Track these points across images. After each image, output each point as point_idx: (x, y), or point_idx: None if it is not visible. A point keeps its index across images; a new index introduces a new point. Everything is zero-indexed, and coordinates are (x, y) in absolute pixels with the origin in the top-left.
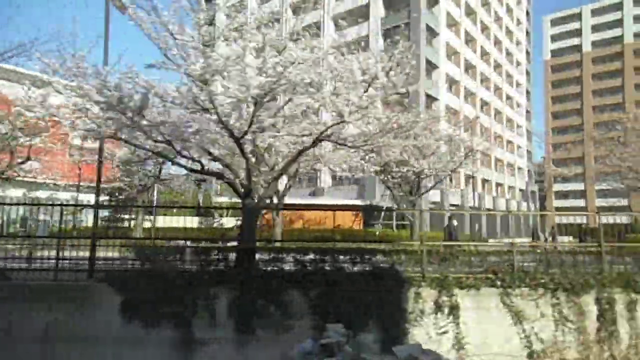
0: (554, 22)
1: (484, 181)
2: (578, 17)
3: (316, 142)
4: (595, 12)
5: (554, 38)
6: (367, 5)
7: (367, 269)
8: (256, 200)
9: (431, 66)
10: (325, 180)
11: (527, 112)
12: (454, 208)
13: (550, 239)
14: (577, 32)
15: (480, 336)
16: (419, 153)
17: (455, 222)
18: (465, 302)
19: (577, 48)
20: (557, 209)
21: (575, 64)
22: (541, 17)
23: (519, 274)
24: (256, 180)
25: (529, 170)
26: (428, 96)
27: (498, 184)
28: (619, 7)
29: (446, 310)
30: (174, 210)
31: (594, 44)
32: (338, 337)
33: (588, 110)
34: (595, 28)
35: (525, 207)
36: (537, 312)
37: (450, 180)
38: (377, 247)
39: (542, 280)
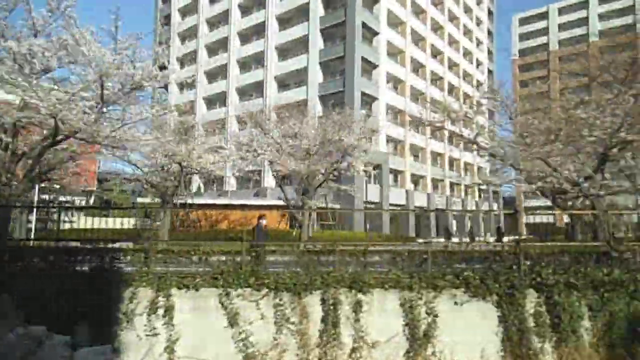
0: (522, 21)
1: (436, 181)
2: (546, 15)
3: (57, 140)
4: (562, 11)
5: (523, 37)
6: (308, 4)
7: (86, 268)
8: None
9: (371, 65)
10: (268, 181)
11: (490, 111)
12: (398, 208)
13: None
14: (545, 31)
15: (196, 338)
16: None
17: (263, 221)
18: (184, 302)
19: (546, 47)
20: (527, 208)
21: (543, 63)
22: (510, 15)
23: (244, 274)
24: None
25: (490, 170)
26: (366, 95)
27: (454, 184)
28: (584, 5)
29: (161, 311)
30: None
31: (562, 42)
32: (16, 338)
33: (555, 108)
34: (562, 27)
35: (486, 207)
36: (258, 314)
37: (395, 180)
38: (128, 246)
39: (267, 280)
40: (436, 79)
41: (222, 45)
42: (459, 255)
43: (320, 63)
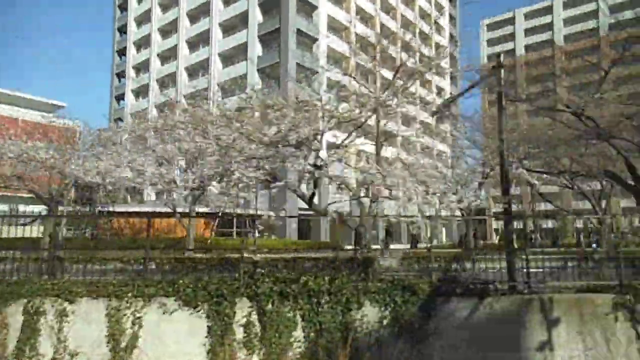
0: (490, 27)
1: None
2: (513, 20)
3: None
4: (527, 16)
5: (491, 42)
6: (248, 11)
7: None
8: None
9: (311, 71)
10: (210, 189)
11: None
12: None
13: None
14: (513, 36)
15: None
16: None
17: (63, 228)
18: None
19: (513, 52)
20: (495, 213)
21: (510, 68)
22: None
23: None
24: None
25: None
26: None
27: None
28: (549, 10)
29: None
30: None
31: (528, 47)
32: None
33: (521, 113)
34: (529, 32)
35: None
36: None
37: (340, 187)
38: None
39: None
40: (388, 85)
41: (172, 53)
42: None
43: (258, 70)
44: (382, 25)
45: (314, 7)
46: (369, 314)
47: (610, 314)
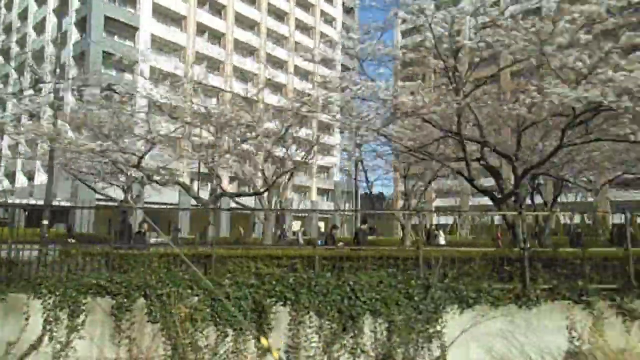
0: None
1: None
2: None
3: None
4: (437, 7)
5: (405, 34)
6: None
7: None
8: None
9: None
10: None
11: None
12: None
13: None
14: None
15: None
16: None
17: None
18: None
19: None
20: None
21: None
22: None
23: None
24: None
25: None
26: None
27: (302, 186)
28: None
29: None
30: None
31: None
32: None
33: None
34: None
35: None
36: None
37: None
38: None
39: None
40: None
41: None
42: None
43: (73, 56)
44: (238, 14)
45: None
46: None
47: None
